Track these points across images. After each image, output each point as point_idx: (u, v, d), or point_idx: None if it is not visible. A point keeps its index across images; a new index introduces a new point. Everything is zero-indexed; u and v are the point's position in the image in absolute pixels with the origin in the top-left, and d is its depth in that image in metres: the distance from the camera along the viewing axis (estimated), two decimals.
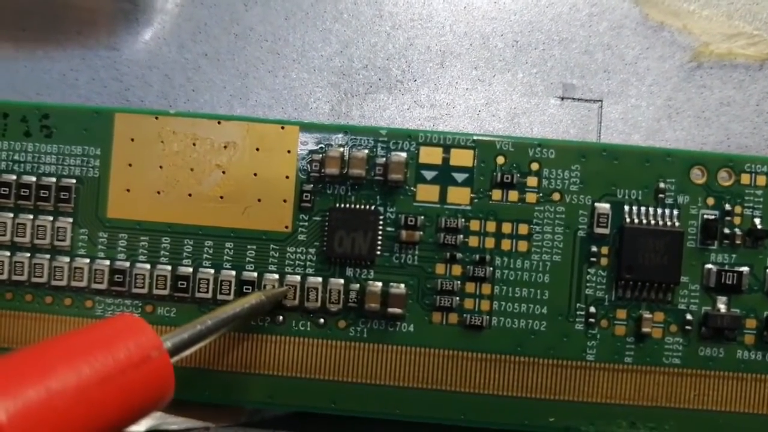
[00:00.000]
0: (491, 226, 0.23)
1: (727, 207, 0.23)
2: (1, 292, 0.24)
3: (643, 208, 0.23)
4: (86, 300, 0.24)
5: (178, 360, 0.18)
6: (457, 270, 0.23)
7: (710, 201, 0.23)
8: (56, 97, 0.27)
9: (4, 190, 0.24)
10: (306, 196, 0.23)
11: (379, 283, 0.23)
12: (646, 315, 0.23)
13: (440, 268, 0.23)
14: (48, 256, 0.24)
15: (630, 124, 0.27)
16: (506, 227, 0.23)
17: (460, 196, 0.23)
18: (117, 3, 0.28)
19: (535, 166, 0.23)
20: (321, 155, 0.23)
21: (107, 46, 0.28)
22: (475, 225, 0.23)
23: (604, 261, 0.23)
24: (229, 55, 0.27)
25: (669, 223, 0.23)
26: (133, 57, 0.28)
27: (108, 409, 0.16)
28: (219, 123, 0.24)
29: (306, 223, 0.23)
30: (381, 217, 0.23)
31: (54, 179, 0.24)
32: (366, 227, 0.23)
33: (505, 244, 0.23)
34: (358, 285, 0.23)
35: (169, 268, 0.23)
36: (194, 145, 0.24)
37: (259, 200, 0.23)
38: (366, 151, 0.23)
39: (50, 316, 0.24)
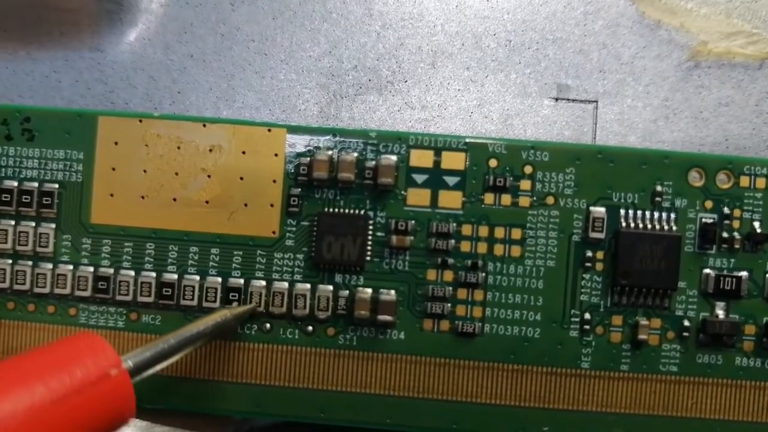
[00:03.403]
0: (484, 231, 0.23)
1: (726, 210, 0.23)
2: None
3: (639, 212, 0.23)
4: (70, 307, 0.23)
5: (140, 379, 0.18)
6: (448, 276, 0.23)
7: (708, 204, 0.23)
8: (39, 100, 0.27)
9: None
10: (294, 201, 0.23)
11: (369, 290, 0.23)
12: (643, 321, 0.22)
13: (431, 274, 0.23)
14: (30, 262, 0.23)
15: (626, 126, 0.26)
16: (499, 232, 0.23)
17: (451, 200, 0.23)
18: (101, 3, 0.27)
19: (528, 169, 0.23)
20: (309, 158, 0.23)
21: (91, 48, 0.27)
22: (467, 230, 0.23)
23: (599, 266, 0.23)
24: (215, 56, 0.27)
25: (666, 227, 0.22)
26: (118, 58, 0.27)
27: (64, 429, 0.16)
28: (204, 126, 0.23)
29: (294, 229, 0.23)
30: (371, 222, 0.23)
31: (36, 184, 0.23)
32: (355, 232, 0.23)
33: (498, 249, 0.23)
34: (347, 292, 0.23)
35: (153, 274, 0.23)
36: (179, 148, 0.23)
37: (245, 205, 0.23)
38: (355, 154, 0.23)
39: (33, 324, 0.23)
